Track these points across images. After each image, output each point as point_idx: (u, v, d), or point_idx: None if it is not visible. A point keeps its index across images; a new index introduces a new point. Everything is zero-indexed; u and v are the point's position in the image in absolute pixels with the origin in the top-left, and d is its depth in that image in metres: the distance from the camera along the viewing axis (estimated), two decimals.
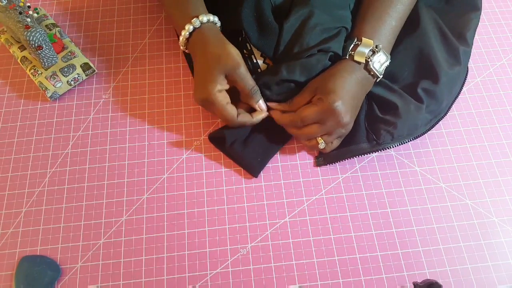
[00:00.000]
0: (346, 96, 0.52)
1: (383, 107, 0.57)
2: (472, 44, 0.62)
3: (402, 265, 0.52)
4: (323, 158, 0.58)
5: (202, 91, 0.53)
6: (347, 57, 0.55)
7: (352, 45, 0.55)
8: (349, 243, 0.53)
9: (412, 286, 0.50)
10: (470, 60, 0.62)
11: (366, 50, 0.54)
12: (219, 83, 0.52)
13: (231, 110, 0.53)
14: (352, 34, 0.57)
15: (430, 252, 0.53)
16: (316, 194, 0.56)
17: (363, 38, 0.54)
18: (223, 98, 0.53)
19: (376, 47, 0.54)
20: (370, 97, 0.58)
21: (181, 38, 0.56)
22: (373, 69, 0.54)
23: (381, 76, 0.55)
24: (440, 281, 0.51)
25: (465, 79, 0.61)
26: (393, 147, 0.56)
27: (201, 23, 0.54)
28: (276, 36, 0.56)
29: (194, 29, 0.54)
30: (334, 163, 0.58)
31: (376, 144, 0.56)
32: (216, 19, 0.56)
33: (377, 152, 0.58)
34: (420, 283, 0.49)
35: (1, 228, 0.55)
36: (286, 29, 0.55)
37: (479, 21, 0.63)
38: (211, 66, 0.52)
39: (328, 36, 0.56)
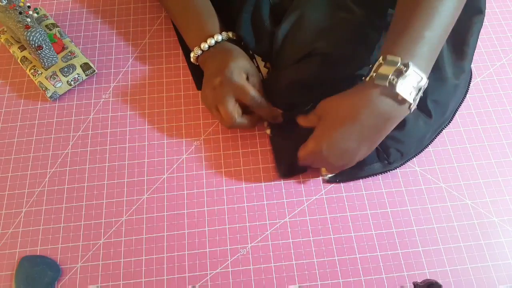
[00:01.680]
0: (340, 140, 0.46)
1: None
2: (475, 49, 0.61)
3: (402, 265, 0.52)
4: (334, 175, 0.57)
5: (225, 71, 0.52)
6: (367, 80, 0.46)
7: (376, 66, 0.45)
8: (349, 243, 0.53)
9: (412, 286, 0.50)
10: None
11: (391, 70, 0.43)
12: (243, 70, 0.53)
13: (255, 89, 0.54)
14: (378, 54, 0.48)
15: (430, 252, 0.53)
16: (316, 194, 0.56)
17: (388, 56, 0.44)
18: (246, 80, 0.54)
19: (405, 65, 0.43)
20: None
21: (193, 53, 0.57)
22: (400, 94, 0.43)
23: (413, 102, 0.44)
24: (440, 281, 0.51)
25: (468, 85, 0.61)
26: (402, 165, 0.57)
27: (216, 42, 0.55)
28: (270, 41, 0.57)
29: (209, 47, 0.56)
30: (346, 182, 0.57)
31: (387, 164, 0.56)
32: (231, 34, 0.57)
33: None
34: (420, 283, 0.49)
35: (1, 228, 0.55)
36: (278, 35, 0.56)
37: (482, 25, 0.61)
38: (236, 58, 0.53)
39: (320, 36, 0.55)
